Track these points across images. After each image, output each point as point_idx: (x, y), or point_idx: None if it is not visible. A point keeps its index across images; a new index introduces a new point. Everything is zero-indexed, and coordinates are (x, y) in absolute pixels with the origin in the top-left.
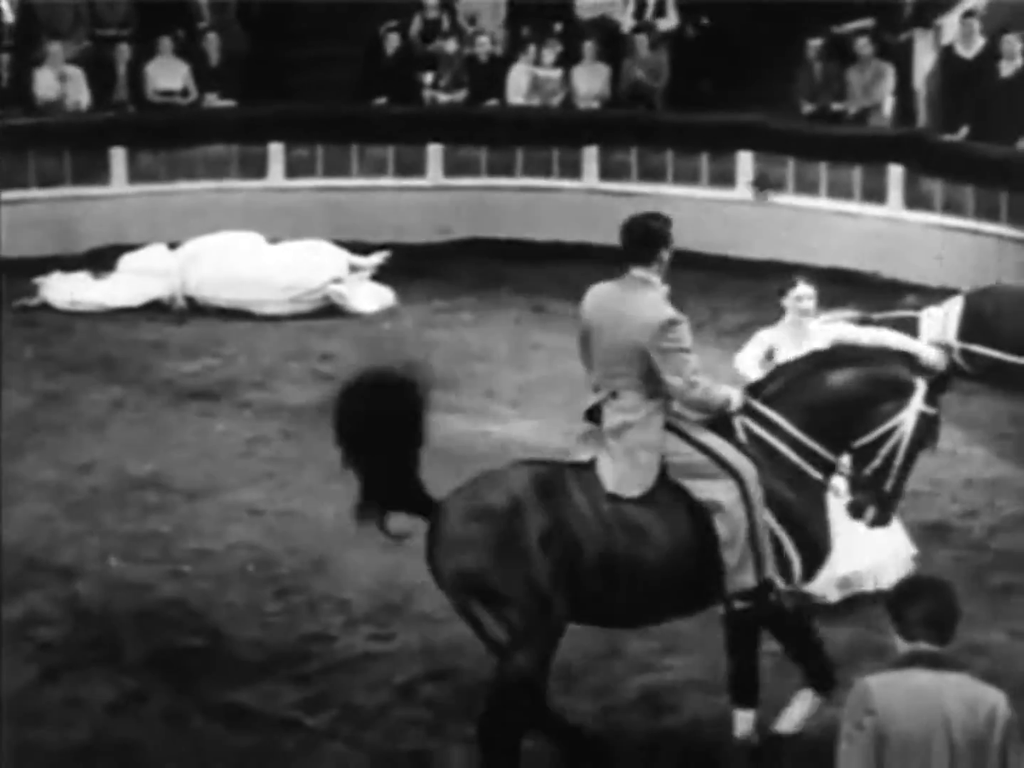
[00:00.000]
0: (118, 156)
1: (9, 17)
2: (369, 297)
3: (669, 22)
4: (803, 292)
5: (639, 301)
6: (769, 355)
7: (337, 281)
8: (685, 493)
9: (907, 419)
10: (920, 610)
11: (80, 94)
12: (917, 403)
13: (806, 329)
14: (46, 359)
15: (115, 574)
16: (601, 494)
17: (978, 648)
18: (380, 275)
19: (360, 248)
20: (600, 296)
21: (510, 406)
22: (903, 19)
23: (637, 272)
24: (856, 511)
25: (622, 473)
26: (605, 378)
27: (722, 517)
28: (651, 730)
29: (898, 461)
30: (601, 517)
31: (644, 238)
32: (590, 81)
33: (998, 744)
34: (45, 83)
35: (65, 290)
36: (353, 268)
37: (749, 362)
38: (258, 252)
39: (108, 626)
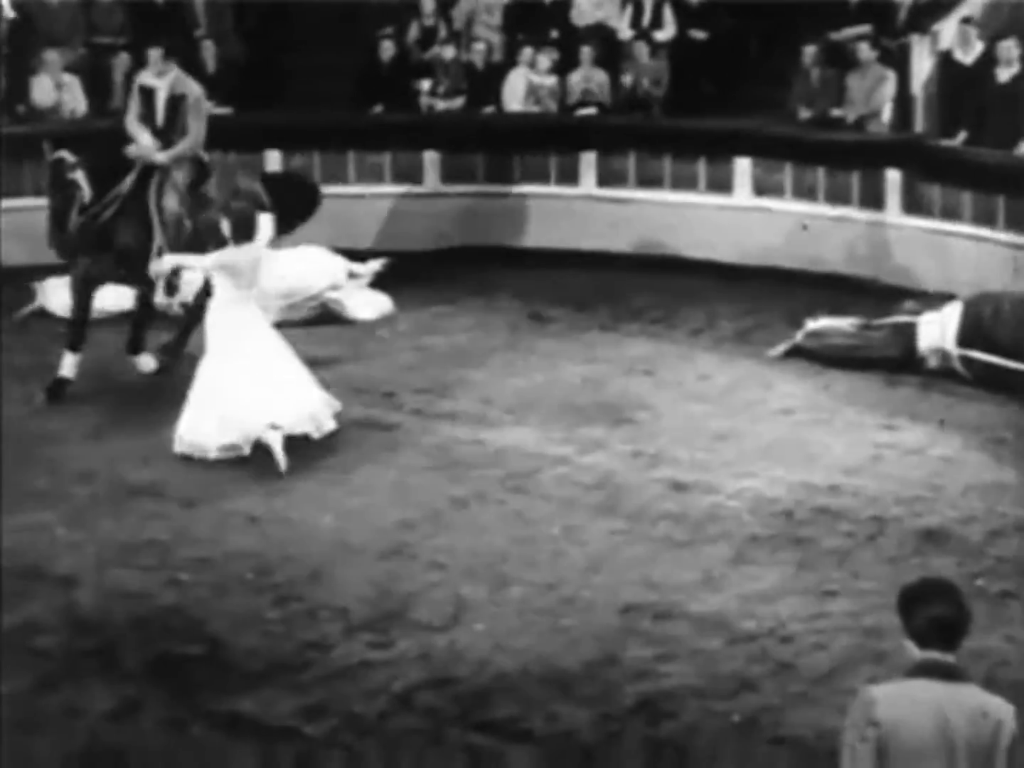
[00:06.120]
0: None
1: (9, 13)
2: (367, 304)
3: (667, 32)
4: None
5: None
6: None
7: (335, 288)
8: None
9: None
10: (931, 614)
11: (77, 102)
12: None
13: None
14: (42, 367)
15: (113, 582)
16: None
17: (976, 654)
18: (378, 282)
19: (358, 255)
20: None
21: (507, 412)
22: (899, 24)
23: None
24: None
25: None
26: None
27: None
28: (649, 738)
29: None
30: None
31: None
32: (586, 86)
33: (1002, 760)
34: (42, 91)
35: (62, 296)
36: (351, 275)
37: None
38: None
39: (106, 634)
